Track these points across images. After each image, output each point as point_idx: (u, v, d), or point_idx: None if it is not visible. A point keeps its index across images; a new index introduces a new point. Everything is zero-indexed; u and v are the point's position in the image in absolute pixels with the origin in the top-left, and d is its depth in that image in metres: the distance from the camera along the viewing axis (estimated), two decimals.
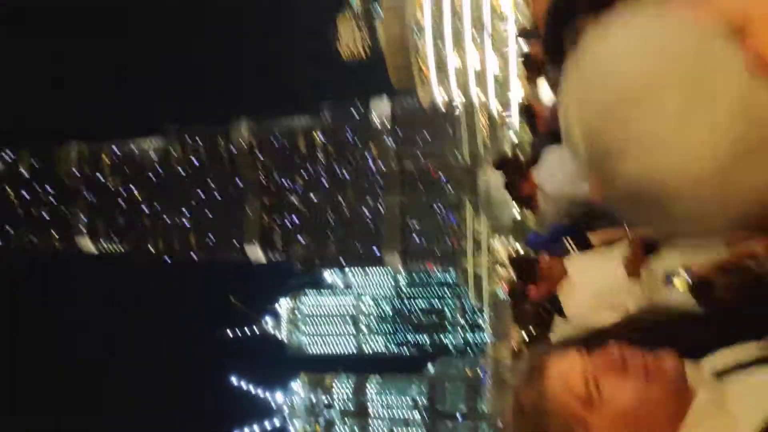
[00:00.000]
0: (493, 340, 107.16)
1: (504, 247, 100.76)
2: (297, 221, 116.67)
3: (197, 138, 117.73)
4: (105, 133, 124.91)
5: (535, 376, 1.68)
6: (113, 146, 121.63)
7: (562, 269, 5.80)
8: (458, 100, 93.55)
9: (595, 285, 5.47)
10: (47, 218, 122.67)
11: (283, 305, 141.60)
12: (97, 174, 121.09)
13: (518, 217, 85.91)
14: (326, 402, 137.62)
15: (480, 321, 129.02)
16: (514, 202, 7.60)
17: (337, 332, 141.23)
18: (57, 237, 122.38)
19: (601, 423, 1.53)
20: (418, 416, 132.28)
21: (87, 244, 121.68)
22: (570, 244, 6.05)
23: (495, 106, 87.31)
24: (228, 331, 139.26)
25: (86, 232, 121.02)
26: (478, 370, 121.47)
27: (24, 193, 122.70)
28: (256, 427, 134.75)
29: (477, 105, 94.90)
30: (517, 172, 7.01)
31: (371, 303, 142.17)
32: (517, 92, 77.91)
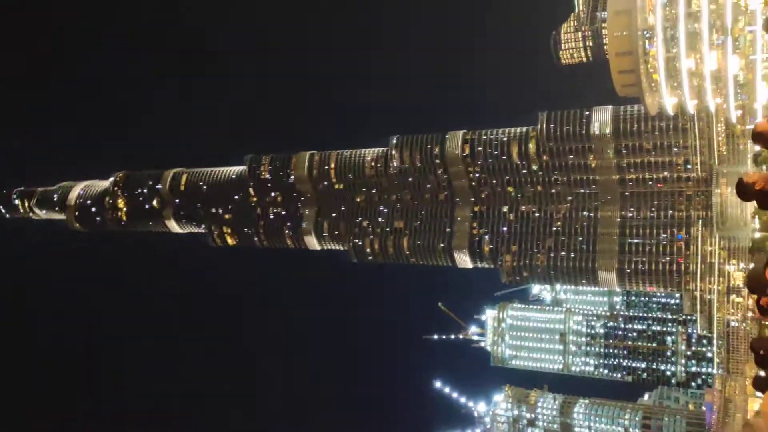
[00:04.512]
0: (721, 373, 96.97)
1: (740, 271, 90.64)
2: (507, 231, 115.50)
3: (414, 146, 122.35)
4: (334, 143, 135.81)
5: None
6: (339, 155, 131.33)
7: None
8: (691, 106, 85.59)
9: None
10: (281, 217, 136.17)
11: (489, 315, 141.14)
12: (325, 179, 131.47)
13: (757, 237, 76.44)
14: (529, 418, 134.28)
15: (707, 352, 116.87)
16: (755, 221, 6.69)
17: (544, 348, 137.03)
18: (289, 234, 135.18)
19: None
20: None
21: (312, 241, 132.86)
22: None
23: (734, 113, 78.55)
24: (434, 335, 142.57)
25: (313, 230, 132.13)
26: (702, 406, 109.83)
27: (262, 193, 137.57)
28: None
29: (713, 112, 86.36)
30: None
31: (582, 321, 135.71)
32: (762, 97, 69.26)
